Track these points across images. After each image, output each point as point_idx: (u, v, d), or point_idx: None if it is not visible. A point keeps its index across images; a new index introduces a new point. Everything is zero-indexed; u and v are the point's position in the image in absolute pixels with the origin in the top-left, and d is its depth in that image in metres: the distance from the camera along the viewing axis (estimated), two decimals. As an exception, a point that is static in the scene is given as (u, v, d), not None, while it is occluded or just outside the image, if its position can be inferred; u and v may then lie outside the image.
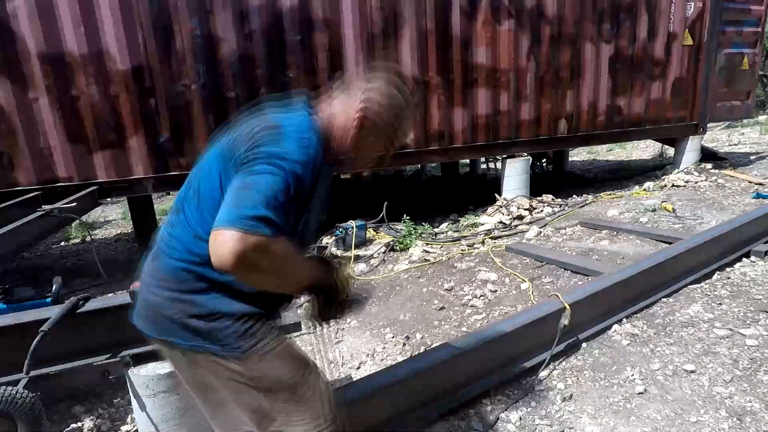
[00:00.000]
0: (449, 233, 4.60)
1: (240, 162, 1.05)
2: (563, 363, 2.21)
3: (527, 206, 5.01)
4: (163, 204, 8.17)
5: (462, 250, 3.94)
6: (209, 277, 1.09)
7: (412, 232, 4.32)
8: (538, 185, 5.74)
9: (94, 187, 3.81)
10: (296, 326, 2.08)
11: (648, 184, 5.83)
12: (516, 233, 4.36)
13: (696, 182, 5.67)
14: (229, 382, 1.13)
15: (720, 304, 2.62)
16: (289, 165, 1.02)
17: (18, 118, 3.58)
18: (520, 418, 1.88)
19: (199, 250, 1.08)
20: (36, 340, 1.61)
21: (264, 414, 1.15)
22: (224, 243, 0.93)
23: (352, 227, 4.04)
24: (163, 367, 1.78)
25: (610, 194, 5.46)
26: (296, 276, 1.11)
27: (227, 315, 1.10)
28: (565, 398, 1.96)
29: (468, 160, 9.45)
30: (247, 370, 1.11)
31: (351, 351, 2.60)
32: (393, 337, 2.71)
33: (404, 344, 2.63)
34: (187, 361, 1.18)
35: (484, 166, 9.64)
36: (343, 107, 1.19)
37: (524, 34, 5.11)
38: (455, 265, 3.57)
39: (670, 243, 3.32)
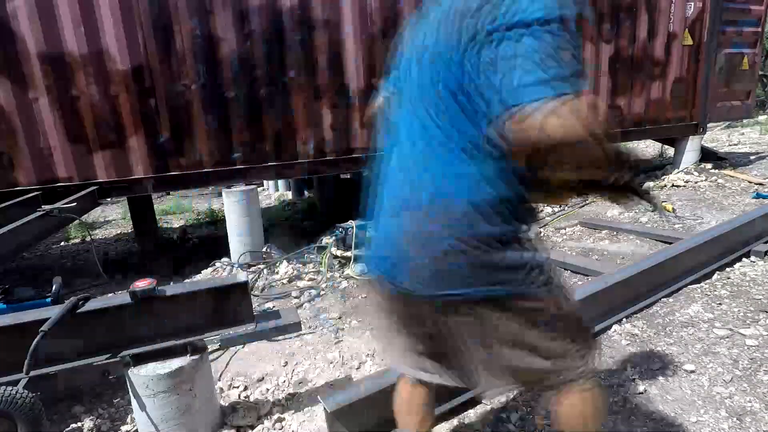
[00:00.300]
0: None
1: (501, 31, 0.88)
2: (563, 363, 2.21)
3: (527, 206, 5.01)
4: (163, 204, 8.16)
5: (462, 250, 3.94)
6: (508, 189, 0.99)
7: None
8: (538, 185, 5.73)
9: (94, 187, 3.80)
10: (296, 326, 2.08)
11: (648, 184, 5.83)
12: (516, 233, 4.36)
13: (696, 182, 5.67)
14: (510, 323, 1.05)
15: (720, 304, 2.62)
16: (562, 12, 0.87)
17: (18, 118, 3.58)
18: (520, 418, 1.87)
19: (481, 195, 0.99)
20: (36, 340, 1.61)
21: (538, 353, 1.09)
22: (563, 116, 0.82)
23: (352, 227, 4.04)
24: (163, 367, 1.78)
25: (610, 194, 5.45)
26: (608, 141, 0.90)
27: (522, 234, 1.02)
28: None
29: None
30: (536, 304, 1.06)
31: (351, 351, 2.60)
32: (393, 337, 2.70)
33: (404, 344, 2.62)
34: (473, 314, 1.06)
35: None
36: None
37: (524, 34, 5.10)
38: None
39: (670, 243, 3.32)
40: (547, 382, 1.14)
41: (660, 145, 8.33)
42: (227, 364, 2.53)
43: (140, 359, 1.81)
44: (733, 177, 5.72)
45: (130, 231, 6.20)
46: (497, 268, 1.02)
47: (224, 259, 4.17)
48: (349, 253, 3.92)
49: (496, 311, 1.05)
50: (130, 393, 1.81)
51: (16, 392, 1.63)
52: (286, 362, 2.53)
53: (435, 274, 1.05)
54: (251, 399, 2.22)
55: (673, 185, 5.70)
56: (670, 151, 7.10)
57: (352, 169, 4.86)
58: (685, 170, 6.22)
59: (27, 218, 2.89)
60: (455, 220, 1.01)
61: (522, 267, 1.03)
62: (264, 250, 4.19)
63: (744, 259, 3.18)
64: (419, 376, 1.28)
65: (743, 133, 10.29)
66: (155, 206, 5.70)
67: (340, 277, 3.67)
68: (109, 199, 4.30)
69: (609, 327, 2.44)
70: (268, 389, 2.30)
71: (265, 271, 3.85)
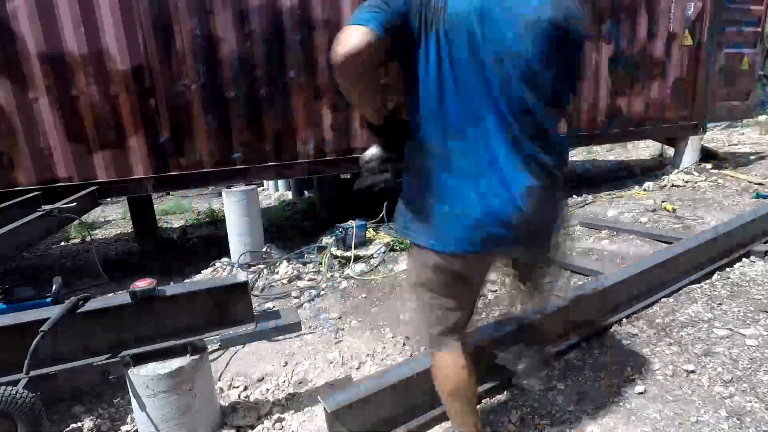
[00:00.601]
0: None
1: (573, 40, 1.23)
2: (563, 363, 2.21)
3: (527, 206, 5.00)
4: (163, 204, 8.17)
5: (462, 250, 3.93)
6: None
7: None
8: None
9: (94, 187, 3.81)
10: (296, 326, 2.08)
11: (648, 184, 5.83)
12: (516, 233, 4.36)
13: (696, 182, 5.67)
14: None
15: (720, 304, 2.61)
16: None
17: (18, 118, 3.58)
18: (520, 418, 1.87)
19: (558, 160, 1.33)
20: (36, 340, 1.61)
21: None
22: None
23: (352, 227, 4.04)
24: (163, 367, 1.78)
25: (610, 194, 5.46)
26: None
27: None
28: (565, 398, 1.96)
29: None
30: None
31: (351, 351, 2.60)
32: (393, 337, 2.71)
33: (404, 344, 2.63)
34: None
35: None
36: None
37: (524, 34, 5.10)
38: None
39: (670, 243, 3.32)
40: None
41: (660, 145, 8.33)
42: (227, 364, 2.54)
43: (140, 359, 1.81)
44: (733, 177, 5.73)
45: (130, 231, 6.20)
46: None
47: (224, 259, 4.17)
48: (349, 253, 3.92)
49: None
50: (130, 393, 1.81)
51: (16, 392, 1.63)
52: (286, 362, 2.53)
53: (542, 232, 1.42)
54: (251, 399, 2.22)
55: (673, 185, 5.70)
56: (670, 151, 7.10)
57: (352, 169, 4.85)
58: (685, 170, 6.22)
59: (27, 218, 2.89)
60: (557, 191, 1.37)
61: None
62: (264, 250, 4.19)
63: (744, 259, 3.18)
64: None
65: (743, 133, 10.28)
66: (155, 206, 5.70)
67: (340, 277, 3.67)
68: (109, 199, 4.30)
69: (609, 327, 2.44)
70: (268, 389, 2.30)
71: (265, 271, 3.85)
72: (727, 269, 3.06)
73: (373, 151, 1.41)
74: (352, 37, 1.10)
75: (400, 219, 1.40)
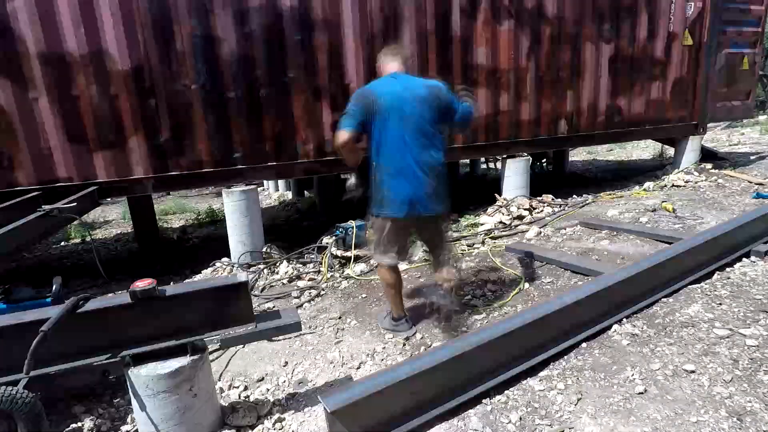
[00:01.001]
0: (449, 233, 4.59)
1: (447, 106, 2.50)
2: (563, 363, 2.21)
3: (527, 206, 5.01)
4: (163, 204, 8.17)
5: (462, 250, 3.94)
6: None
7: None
8: (538, 185, 5.74)
9: (94, 188, 3.81)
10: (296, 326, 2.08)
11: (648, 184, 5.83)
12: (516, 233, 4.37)
13: (696, 182, 5.67)
14: (442, 224, 2.67)
15: (720, 304, 2.61)
16: None
17: (18, 118, 3.58)
18: (520, 418, 1.87)
19: (441, 157, 2.51)
20: (36, 340, 1.61)
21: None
22: None
23: (352, 227, 4.04)
24: (163, 367, 1.79)
25: (610, 194, 5.46)
26: None
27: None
28: (565, 398, 1.96)
29: (468, 160, 9.46)
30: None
31: (351, 351, 2.60)
32: (393, 337, 2.71)
33: (404, 344, 2.63)
34: (436, 219, 2.57)
35: (484, 166, 9.65)
36: None
37: (524, 34, 5.11)
38: (455, 265, 3.56)
39: (670, 243, 3.32)
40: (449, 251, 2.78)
41: (660, 145, 8.33)
42: (227, 364, 2.54)
43: (140, 359, 1.81)
44: (733, 177, 5.73)
45: (130, 231, 6.21)
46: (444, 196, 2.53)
47: (224, 259, 4.17)
48: (349, 253, 3.92)
49: (443, 218, 2.64)
50: (130, 393, 1.81)
51: (16, 392, 1.63)
52: (286, 362, 2.53)
53: (437, 200, 2.50)
54: (251, 399, 2.22)
55: (673, 185, 5.70)
56: (670, 151, 7.10)
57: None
58: (685, 170, 6.22)
59: (27, 218, 2.89)
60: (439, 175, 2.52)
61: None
62: (264, 250, 4.19)
63: (744, 259, 3.18)
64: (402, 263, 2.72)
65: (743, 133, 10.29)
66: (155, 206, 5.70)
67: (340, 277, 3.67)
68: (109, 199, 4.30)
69: (609, 327, 2.44)
70: (268, 389, 2.30)
71: (265, 271, 3.85)
72: (727, 269, 3.06)
73: (352, 179, 3.00)
74: (343, 135, 2.37)
75: (373, 205, 2.55)
